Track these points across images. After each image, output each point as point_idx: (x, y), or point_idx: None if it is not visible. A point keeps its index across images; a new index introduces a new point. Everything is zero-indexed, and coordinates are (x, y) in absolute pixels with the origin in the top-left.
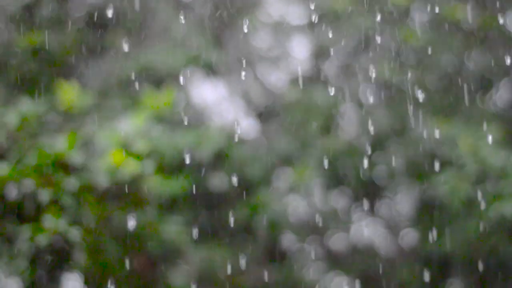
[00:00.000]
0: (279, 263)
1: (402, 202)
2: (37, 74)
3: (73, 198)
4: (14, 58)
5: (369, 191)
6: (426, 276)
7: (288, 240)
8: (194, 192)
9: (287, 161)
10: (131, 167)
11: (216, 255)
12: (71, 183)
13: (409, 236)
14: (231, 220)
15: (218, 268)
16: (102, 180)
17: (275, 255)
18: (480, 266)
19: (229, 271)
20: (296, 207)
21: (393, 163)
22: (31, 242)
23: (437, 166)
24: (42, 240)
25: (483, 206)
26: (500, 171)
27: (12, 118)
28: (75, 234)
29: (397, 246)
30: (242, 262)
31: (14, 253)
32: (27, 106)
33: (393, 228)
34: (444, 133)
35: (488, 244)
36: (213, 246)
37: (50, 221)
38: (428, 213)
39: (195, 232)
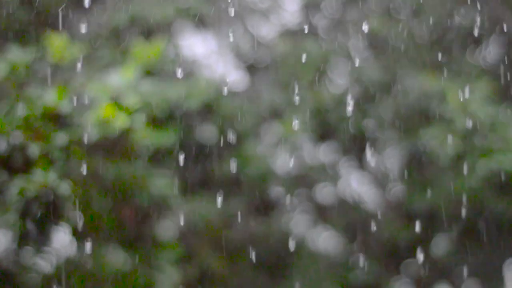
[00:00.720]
0: (266, 215)
1: (391, 156)
2: (26, 25)
3: (62, 152)
4: (2, 8)
5: (358, 145)
6: (413, 230)
7: (275, 193)
8: (182, 144)
9: (276, 114)
10: (120, 120)
11: (204, 208)
12: (60, 136)
13: (397, 190)
14: (219, 172)
15: (206, 220)
16: (91, 134)
17: (262, 208)
18: (467, 221)
19: (216, 223)
20: (285, 160)
21: (382, 117)
22: (20, 195)
23: (426, 120)
24: (32, 193)
25: (471, 160)
26: (489, 126)
27: (0, 67)
28: (64, 187)
29: (384, 200)
30: (230, 215)
31: (3, 206)
32: (15, 55)
33: (381, 182)
34: (433, 87)
35: (475, 199)
36: (201, 199)
37: (39, 174)
38: (416, 167)
39: (183, 184)
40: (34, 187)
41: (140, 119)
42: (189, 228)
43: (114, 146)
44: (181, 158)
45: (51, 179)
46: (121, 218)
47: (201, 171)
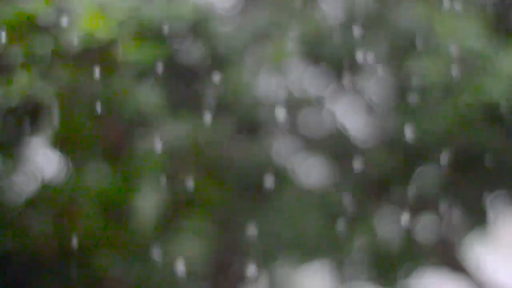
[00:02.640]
0: (251, 139)
1: (380, 85)
2: None
3: (46, 59)
4: None
5: (347, 74)
6: (400, 161)
7: (262, 117)
8: (168, 63)
9: (265, 36)
10: (105, 31)
11: (188, 128)
12: (44, 42)
13: (385, 120)
14: (205, 94)
15: (190, 140)
16: (76, 43)
17: (247, 132)
18: (455, 152)
19: (201, 144)
20: (272, 85)
21: (373, 46)
22: (1, 100)
23: (416, 49)
24: (13, 97)
25: (460, 89)
26: (479, 56)
27: None
28: (47, 92)
29: (372, 129)
30: (214, 137)
31: None
32: None
33: (369, 112)
34: (425, 17)
35: (464, 129)
36: (185, 119)
37: (21, 79)
38: (405, 96)
39: (167, 103)
40: (15, 91)
41: (126, 31)
42: (173, 147)
43: (98, 58)
44: (166, 76)
45: (34, 85)
46: (103, 132)
47: (186, 92)
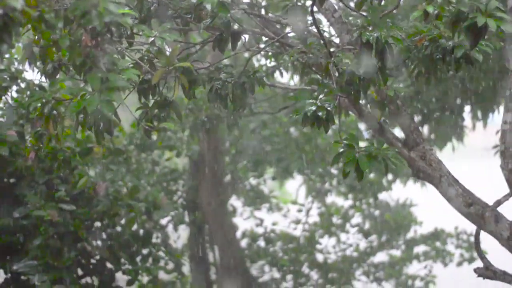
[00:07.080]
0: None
1: None
2: None
3: None
4: None
5: None
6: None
7: (237, 27)
8: None
9: None
10: None
11: (163, 35)
12: None
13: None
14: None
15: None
16: None
17: (222, 40)
18: (425, 56)
19: (178, 52)
20: None
21: None
22: None
23: None
24: None
25: None
26: None
27: None
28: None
29: (344, 34)
30: (190, 44)
31: None
32: None
33: (341, 18)
34: None
35: (432, 31)
36: (159, 28)
37: None
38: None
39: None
40: None
41: None
42: (148, 55)
43: None
44: None
45: None
46: (76, 42)
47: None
